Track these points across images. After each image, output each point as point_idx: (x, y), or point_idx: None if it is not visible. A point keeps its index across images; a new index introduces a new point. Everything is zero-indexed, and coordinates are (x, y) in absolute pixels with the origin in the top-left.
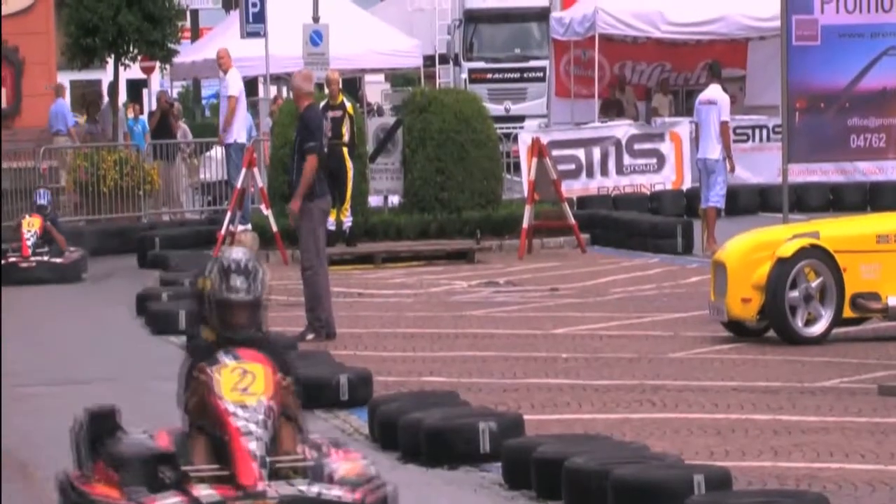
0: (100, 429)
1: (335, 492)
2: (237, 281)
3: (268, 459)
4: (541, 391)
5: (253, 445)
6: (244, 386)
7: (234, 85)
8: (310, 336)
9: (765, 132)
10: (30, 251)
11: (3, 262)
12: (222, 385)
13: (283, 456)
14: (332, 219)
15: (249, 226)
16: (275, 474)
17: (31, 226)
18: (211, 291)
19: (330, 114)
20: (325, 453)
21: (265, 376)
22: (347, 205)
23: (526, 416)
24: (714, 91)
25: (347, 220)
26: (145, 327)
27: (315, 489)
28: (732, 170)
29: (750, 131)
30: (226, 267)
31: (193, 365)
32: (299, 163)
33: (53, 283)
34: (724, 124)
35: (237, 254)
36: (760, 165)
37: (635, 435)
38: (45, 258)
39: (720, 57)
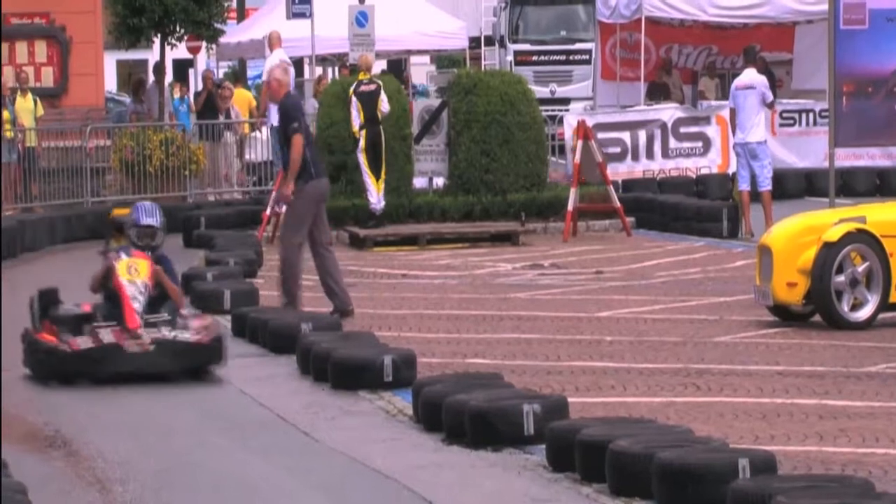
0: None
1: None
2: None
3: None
4: (585, 374)
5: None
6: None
7: (268, 70)
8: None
9: (811, 116)
10: (140, 322)
11: (91, 343)
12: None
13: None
14: (377, 196)
15: None
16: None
17: (135, 273)
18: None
19: (362, 88)
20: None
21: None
22: (382, 181)
23: (570, 399)
24: (751, 75)
25: (380, 202)
26: (190, 306)
27: (172, 334)
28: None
29: (797, 115)
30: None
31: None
32: (285, 149)
33: (184, 379)
34: (770, 105)
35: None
36: (807, 150)
37: (679, 418)
38: (169, 334)
39: (767, 40)
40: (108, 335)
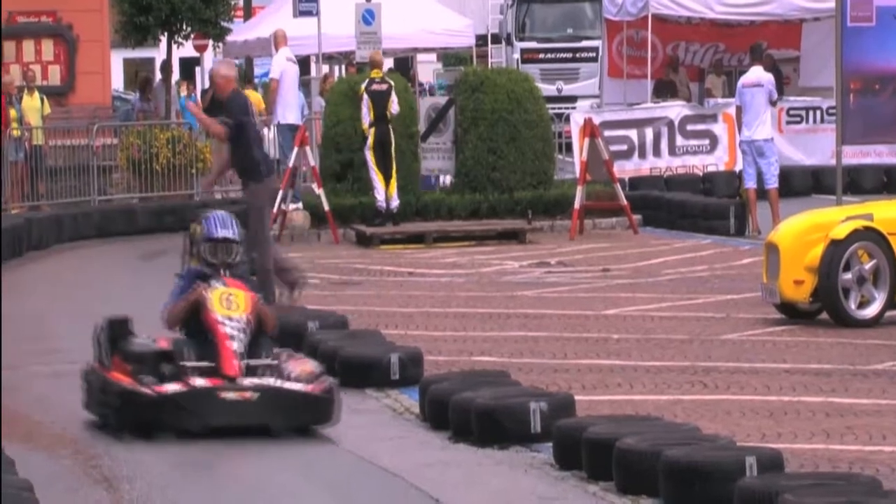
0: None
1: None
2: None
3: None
4: (592, 372)
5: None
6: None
7: (274, 68)
8: (296, 293)
9: (819, 114)
10: (240, 366)
11: (179, 387)
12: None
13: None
14: (384, 194)
15: (300, 204)
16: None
17: (233, 307)
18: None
19: (374, 87)
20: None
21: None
22: (394, 180)
23: (577, 397)
24: (758, 72)
25: (394, 200)
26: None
27: (278, 383)
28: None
29: (804, 113)
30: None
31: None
32: (234, 145)
33: (289, 438)
34: (773, 102)
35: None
36: (814, 147)
37: (687, 416)
38: (274, 381)
39: (774, 38)
40: (201, 380)
